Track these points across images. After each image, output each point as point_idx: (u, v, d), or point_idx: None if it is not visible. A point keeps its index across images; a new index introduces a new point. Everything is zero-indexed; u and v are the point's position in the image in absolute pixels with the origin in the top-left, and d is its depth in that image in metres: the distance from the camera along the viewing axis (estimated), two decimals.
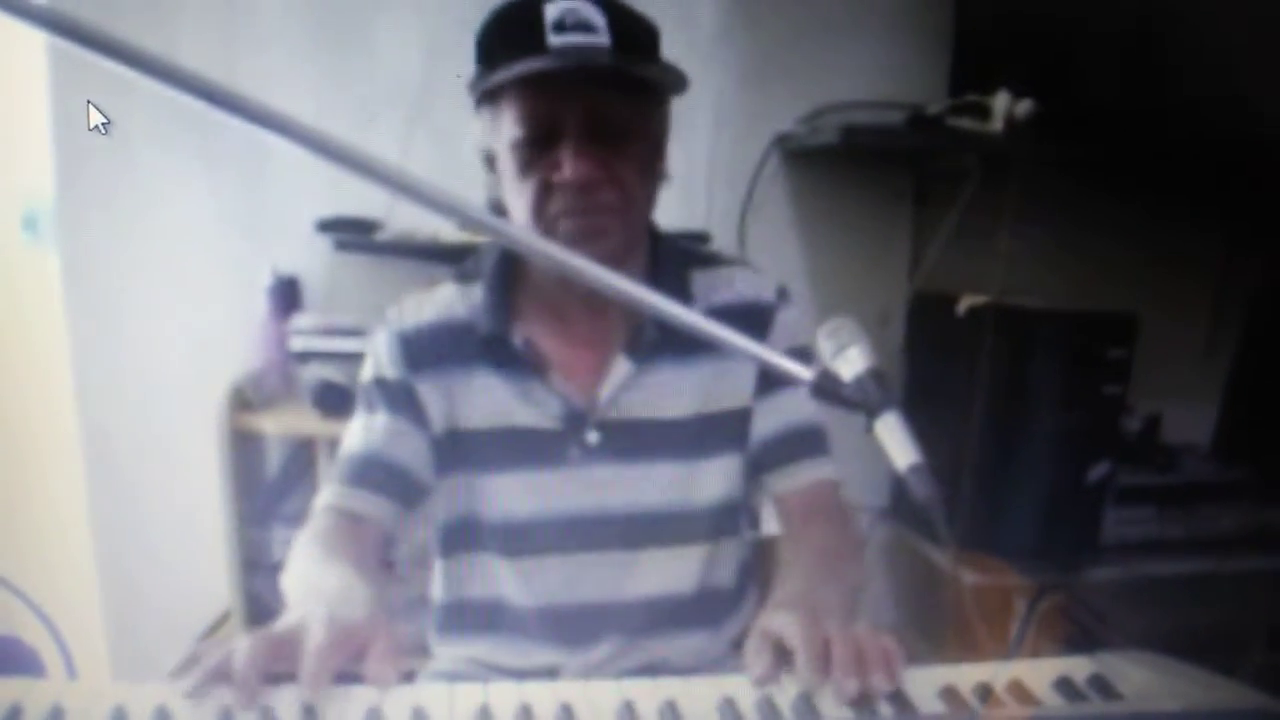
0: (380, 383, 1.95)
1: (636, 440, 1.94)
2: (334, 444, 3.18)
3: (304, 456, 3.47)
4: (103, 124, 3.27)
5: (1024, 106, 3.21)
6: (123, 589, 3.71)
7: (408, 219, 3.43)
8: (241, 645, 1.26)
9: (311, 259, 3.58)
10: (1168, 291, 3.78)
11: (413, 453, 1.93)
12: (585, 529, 1.95)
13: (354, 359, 3.18)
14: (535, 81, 1.70)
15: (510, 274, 1.96)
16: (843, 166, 3.72)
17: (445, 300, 1.98)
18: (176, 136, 3.41)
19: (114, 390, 3.60)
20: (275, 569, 3.38)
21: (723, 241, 3.57)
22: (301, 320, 3.42)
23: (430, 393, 1.93)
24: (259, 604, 3.41)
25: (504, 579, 2.00)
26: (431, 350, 1.94)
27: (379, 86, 3.54)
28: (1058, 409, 3.24)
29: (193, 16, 3.41)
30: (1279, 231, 3.47)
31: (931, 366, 3.63)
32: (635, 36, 1.76)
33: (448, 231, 3.33)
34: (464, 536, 2.01)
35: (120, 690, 1.24)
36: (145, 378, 3.60)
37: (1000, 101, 3.23)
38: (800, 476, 2.01)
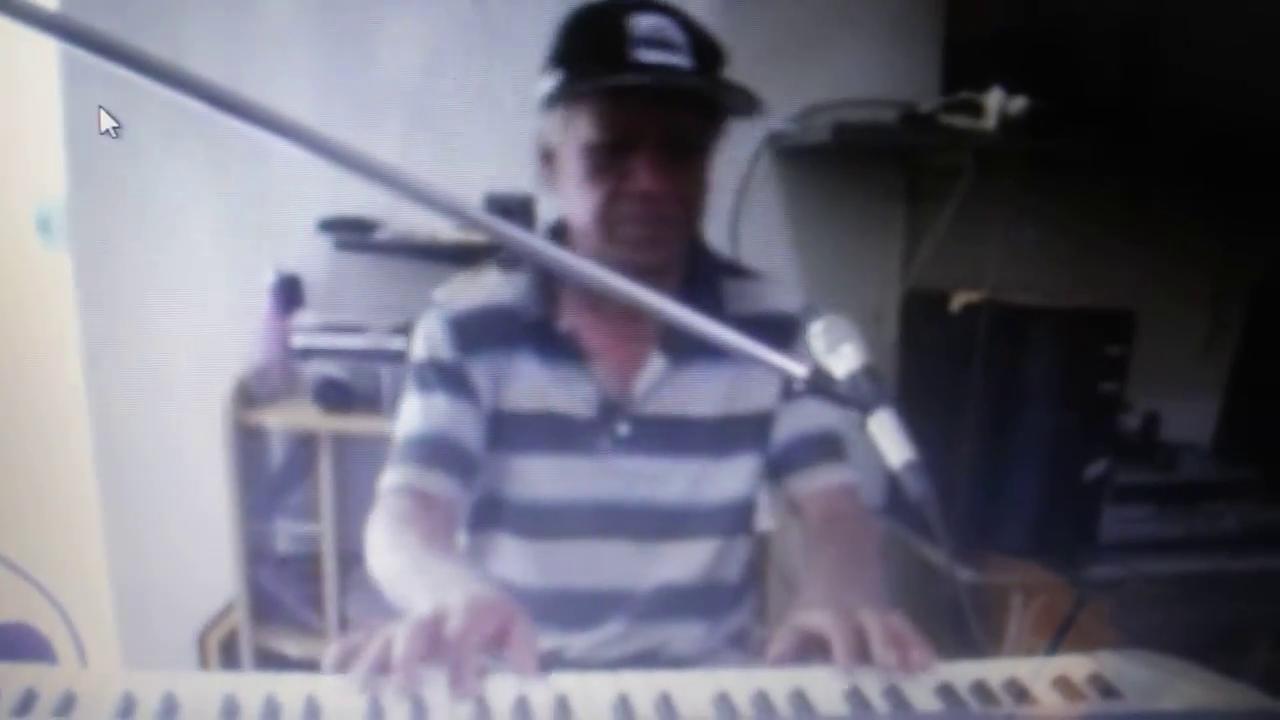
0: (436, 364, 1.98)
1: (665, 435, 1.98)
2: (335, 438, 3.21)
3: (306, 451, 3.49)
4: (113, 128, 3.29)
5: (1017, 103, 3.20)
6: (132, 579, 3.74)
7: (408, 219, 3.45)
8: (398, 635, 1.27)
9: (313, 258, 3.61)
10: (1166, 288, 3.77)
11: (473, 432, 1.96)
12: (606, 518, 1.99)
13: (355, 356, 3.21)
14: (618, 93, 1.76)
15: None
16: (835, 164, 3.73)
17: (491, 285, 2.02)
18: (183, 139, 3.45)
19: (123, 386, 3.64)
20: (278, 561, 3.41)
21: (715, 239, 3.56)
22: (303, 318, 3.44)
23: (480, 373, 1.96)
24: (262, 595, 3.45)
25: (517, 559, 2.03)
26: (480, 333, 1.97)
27: (380, 88, 3.57)
28: (1054, 407, 3.24)
29: (200, 21, 3.44)
30: (1277, 227, 3.47)
31: (925, 364, 3.63)
32: (711, 57, 1.84)
33: (447, 231, 3.35)
34: (489, 514, 2.04)
35: (130, 678, 1.25)
36: (153, 373, 3.63)
37: (993, 99, 3.23)
38: (820, 479, 2.04)
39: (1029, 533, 3.29)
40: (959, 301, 3.30)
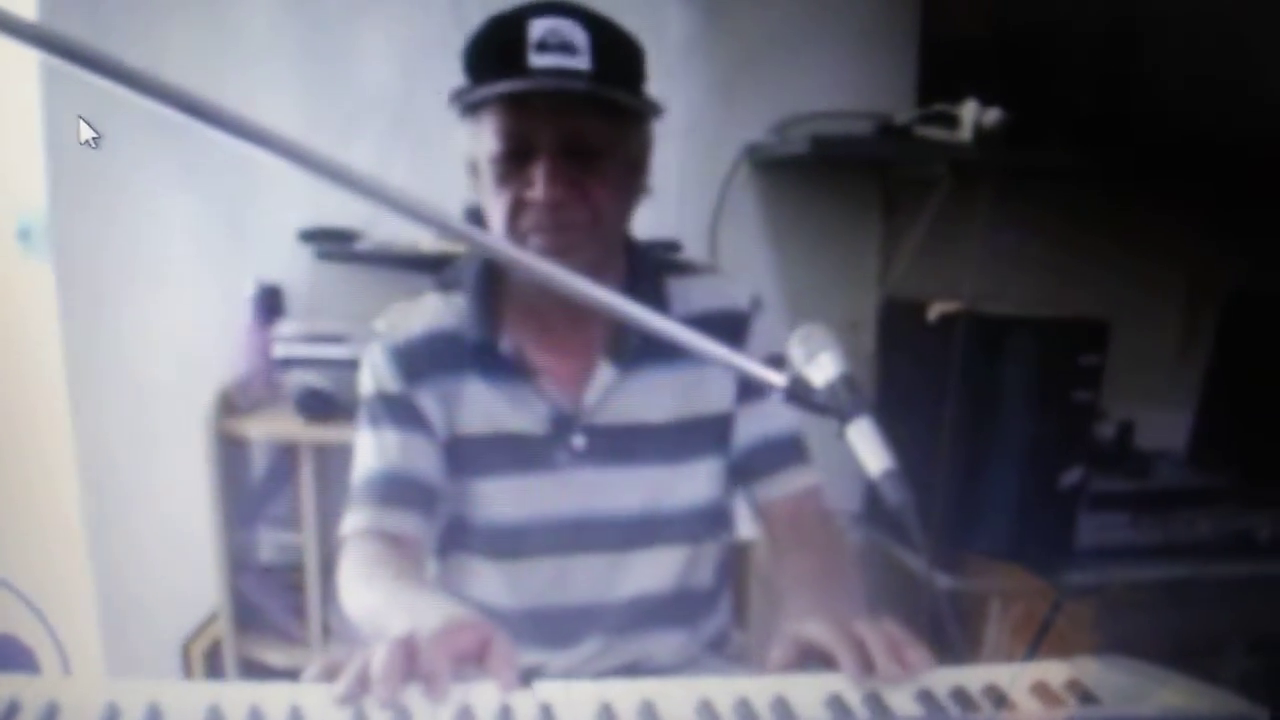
0: (384, 398, 1.96)
1: (621, 444, 1.97)
2: (317, 448, 3.21)
3: (288, 460, 3.49)
4: (93, 138, 3.29)
5: (992, 115, 3.21)
6: (115, 589, 3.73)
7: (388, 229, 3.46)
8: (376, 653, 1.28)
9: (294, 268, 3.61)
10: (1140, 297, 3.78)
11: (429, 463, 1.95)
12: (571, 532, 1.98)
13: (336, 365, 3.21)
14: (513, 100, 1.75)
15: (493, 282, 1.98)
16: (812, 176, 3.74)
17: (431, 310, 2.00)
18: (164, 150, 3.45)
19: (106, 395, 3.63)
20: (261, 571, 3.41)
21: (693, 250, 3.58)
22: (284, 328, 3.44)
23: (429, 401, 1.95)
24: (245, 604, 3.44)
25: (489, 582, 2.02)
26: (425, 360, 1.95)
27: (359, 99, 3.58)
28: (1029, 415, 3.24)
29: (179, 32, 3.45)
30: (1250, 237, 3.49)
31: (903, 373, 3.63)
32: (617, 58, 1.81)
33: (427, 241, 3.34)
34: (455, 538, 2.03)
35: (114, 687, 1.25)
36: (135, 383, 3.63)
37: (968, 110, 3.24)
38: (784, 485, 2.04)
39: (1006, 540, 3.30)
40: (936, 311, 3.31)
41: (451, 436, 1.97)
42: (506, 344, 1.93)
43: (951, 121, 3.28)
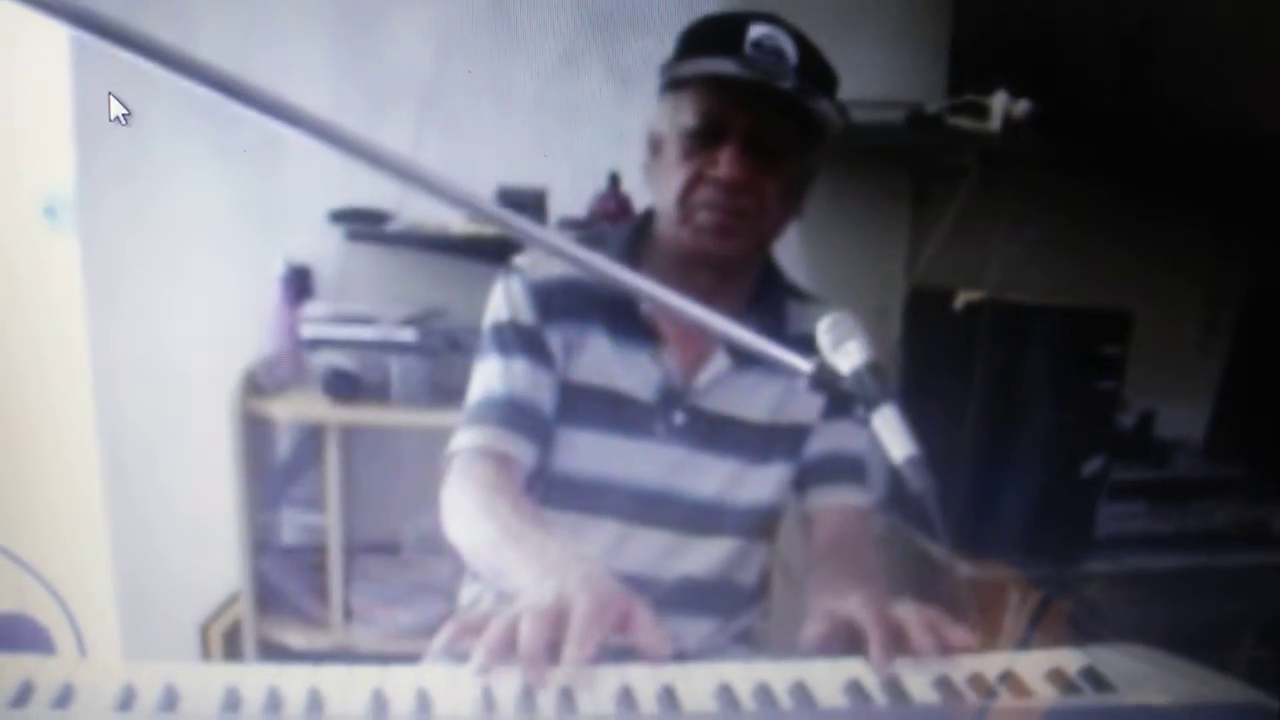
0: (516, 327, 2.01)
1: (716, 432, 2.02)
2: (343, 429, 3.21)
3: (313, 442, 3.50)
4: (123, 115, 3.29)
5: (1021, 106, 3.22)
6: (134, 569, 3.73)
7: (418, 210, 3.45)
8: (524, 622, 1.29)
9: (324, 248, 3.61)
10: (1162, 289, 3.76)
11: (549, 399, 1.99)
12: (641, 503, 2.01)
13: (364, 346, 3.21)
14: (719, 83, 1.85)
15: (639, 249, 2.05)
16: (842, 164, 3.72)
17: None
18: (193, 127, 3.44)
19: (130, 374, 3.64)
20: (284, 552, 3.41)
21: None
22: (313, 308, 3.44)
23: (556, 341, 2.00)
24: (267, 586, 3.43)
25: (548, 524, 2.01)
26: (559, 303, 2.01)
27: (392, 79, 3.57)
28: (1052, 404, 3.24)
29: (211, 10, 3.44)
30: (1271, 231, 3.48)
31: (928, 361, 3.63)
32: (818, 77, 1.92)
33: (457, 223, 3.33)
34: (530, 484, 2.04)
35: (130, 669, 1.25)
36: (161, 362, 3.64)
37: (998, 101, 3.24)
38: (838, 498, 2.09)
39: (1027, 528, 3.29)
40: (962, 300, 3.30)
41: (564, 381, 2.01)
42: (645, 305, 1.99)
43: (981, 112, 3.28)
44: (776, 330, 1.92)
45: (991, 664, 1.37)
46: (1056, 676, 1.35)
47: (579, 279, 1.99)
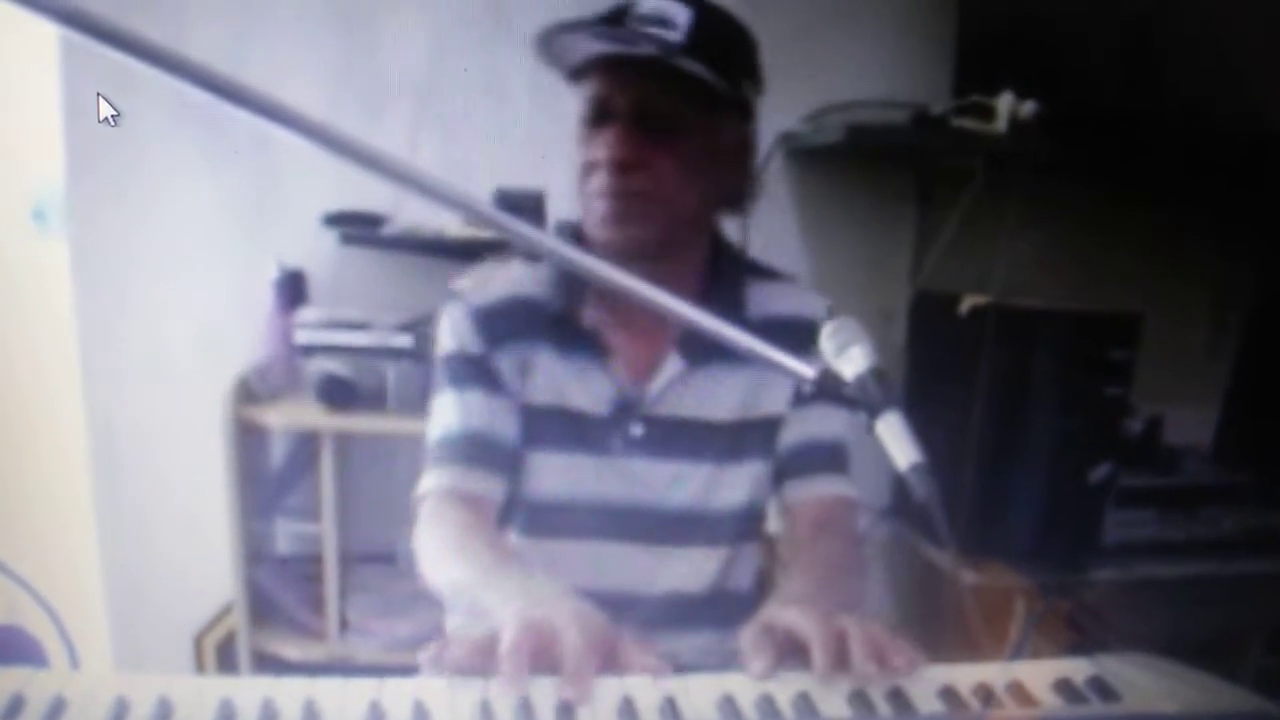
0: (465, 357, 1.98)
1: (678, 438, 1.97)
2: (338, 437, 3.19)
3: (308, 450, 3.47)
4: (112, 116, 3.28)
5: (1027, 107, 3.20)
6: (126, 580, 3.71)
7: (414, 214, 3.42)
8: (508, 630, 1.29)
9: (318, 252, 3.58)
10: (1170, 293, 3.77)
11: (509, 427, 1.97)
12: (614, 519, 1.98)
13: (359, 353, 3.19)
14: (600, 65, 1.82)
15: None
16: (847, 165, 3.73)
17: (515, 277, 2.02)
18: (185, 129, 3.42)
19: (120, 380, 3.61)
20: (278, 562, 3.39)
21: (727, 239, 3.57)
22: (307, 314, 3.40)
23: (506, 366, 1.97)
24: (261, 596, 3.41)
25: (524, 558, 1.99)
26: (504, 325, 1.97)
27: (387, 80, 3.55)
28: (1059, 410, 3.24)
29: (204, 10, 3.41)
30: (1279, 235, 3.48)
31: (933, 366, 3.63)
32: (716, 42, 1.82)
33: (454, 226, 3.32)
34: (502, 511, 2.02)
35: (123, 681, 1.24)
36: (151, 368, 3.61)
37: (1004, 102, 3.23)
38: (815, 489, 2.03)
39: (1033, 535, 3.29)
40: (967, 304, 3.29)
41: (522, 405, 1.98)
42: (585, 318, 1.95)
43: (987, 113, 3.27)
44: (736, 316, 1.83)
45: (998, 673, 1.36)
46: (1063, 686, 1.35)
47: (521, 297, 1.98)
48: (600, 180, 1.82)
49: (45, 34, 2.82)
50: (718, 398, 1.99)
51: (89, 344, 3.59)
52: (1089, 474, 3.28)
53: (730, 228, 3.52)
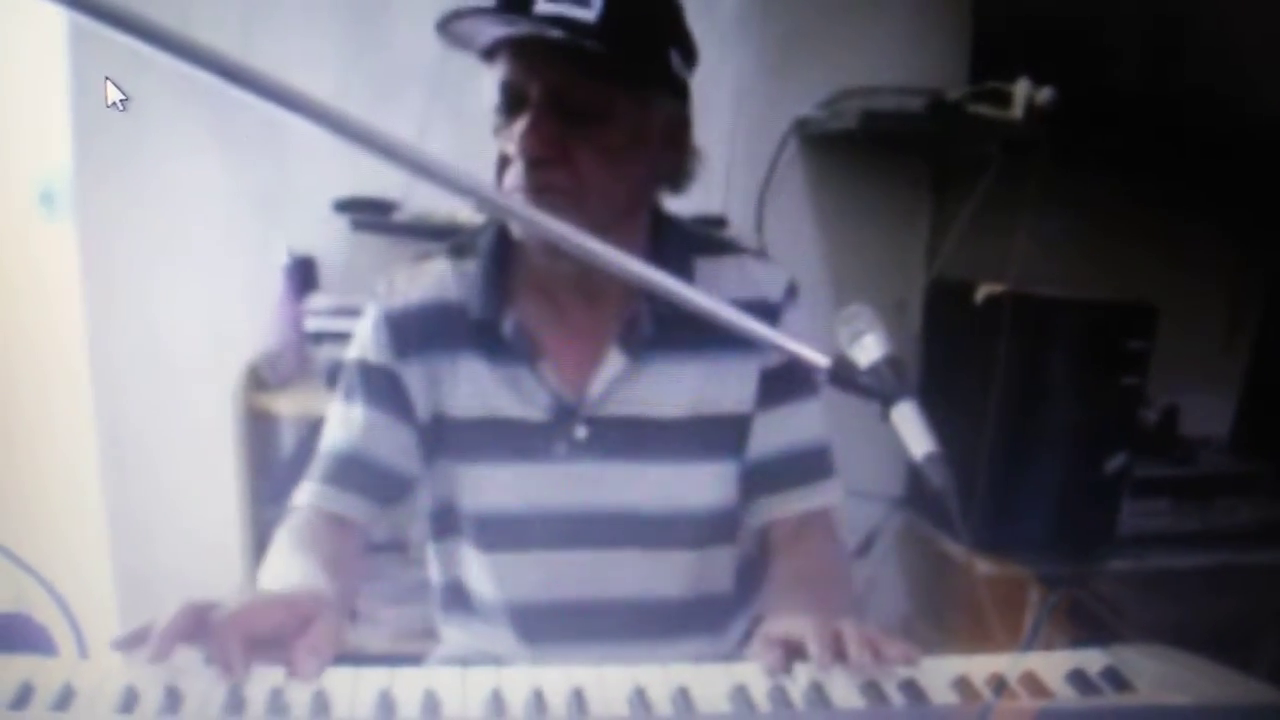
0: (364, 368, 1.92)
1: (626, 438, 1.88)
2: None
3: (318, 437, 3.47)
4: (120, 100, 3.27)
5: (1044, 94, 3.18)
6: (135, 568, 3.70)
7: (425, 200, 3.42)
8: (166, 613, 1.29)
9: (328, 239, 3.58)
10: (1187, 283, 3.76)
11: (394, 448, 1.90)
12: (567, 527, 1.90)
13: None
14: (512, 48, 1.67)
15: (505, 255, 1.89)
16: (862, 152, 3.71)
17: (436, 277, 1.93)
18: (194, 114, 3.41)
19: (129, 368, 3.60)
20: None
21: (740, 226, 3.58)
22: (317, 300, 3.41)
23: (416, 377, 1.89)
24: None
25: (479, 571, 1.97)
26: (419, 332, 1.89)
27: (397, 66, 3.53)
28: (1075, 399, 3.24)
29: None
30: None
31: (948, 355, 3.63)
32: (637, 17, 1.68)
33: (465, 212, 3.30)
34: (448, 523, 1.99)
35: (132, 670, 1.25)
36: (161, 356, 3.60)
37: (1020, 89, 3.21)
38: (798, 504, 1.95)
39: (1048, 525, 3.28)
40: (982, 293, 3.28)
41: (436, 416, 1.90)
42: (509, 323, 1.84)
43: (1004, 100, 3.25)
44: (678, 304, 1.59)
45: (1011, 664, 1.36)
46: (1077, 676, 1.35)
47: (443, 302, 1.90)
48: (515, 175, 1.67)
49: (53, 18, 2.82)
50: (666, 394, 1.89)
51: (97, 330, 3.57)
52: (1104, 464, 3.28)
53: (744, 214, 3.52)
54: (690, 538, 1.95)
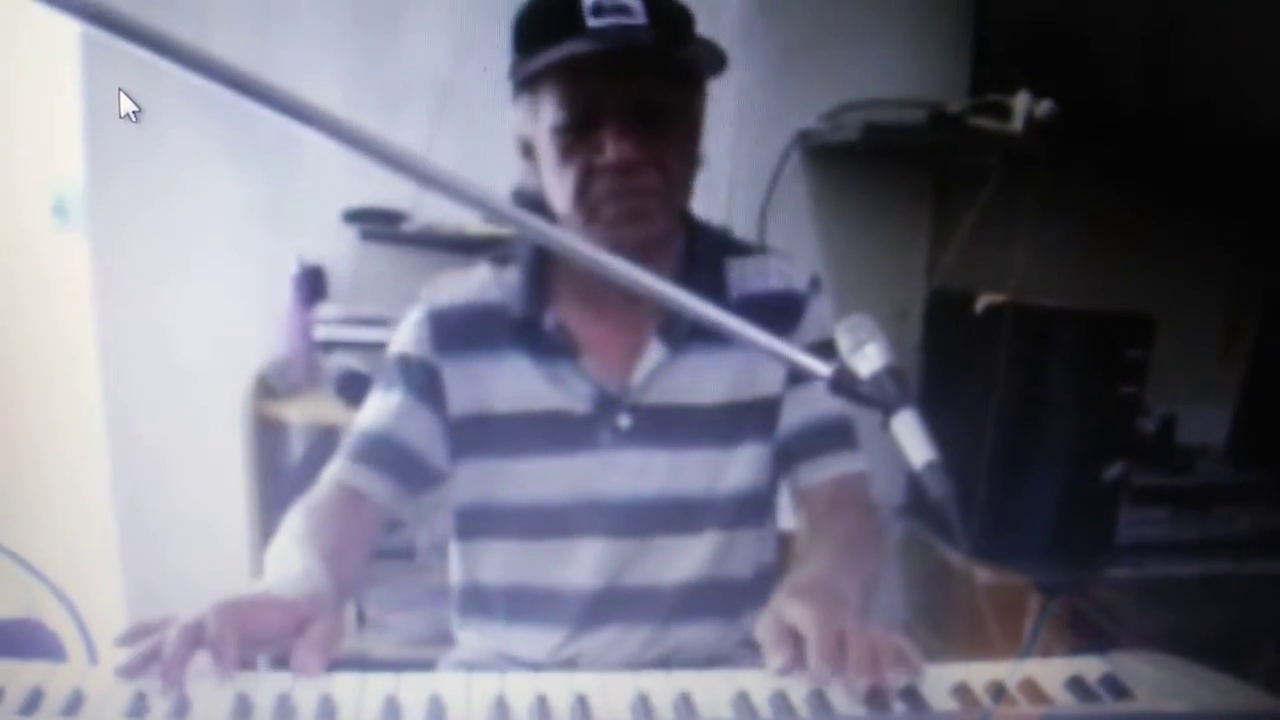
0: (403, 360, 1.96)
1: (669, 426, 1.93)
2: None
3: (327, 445, 3.46)
4: (133, 112, 3.28)
5: (1044, 107, 3.19)
6: (145, 574, 3.70)
7: (434, 210, 3.44)
8: (169, 636, 1.28)
9: (337, 249, 3.59)
10: (1185, 293, 3.76)
11: (424, 435, 1.93)
12: (614, 514, 1.94)
13: (378, 348, 3.19)
14: (576, 66, 1.70)
15: (546, 257, 1.95)
16: (863, 163, 3.72)
17: (479, 281, 1.99)
18: (206, 125, 3.42)
19: (139, 376, 3.61)
20: None
21: (743, 236, 3.56)
22: (326, 310, 3.42)
23: (456, 375, 1.93)
24: None
25: (517, 563, 1.99)
26: (462, 332, 1.94)
27: (406, 78, 3.56)
28: (1074, 408, 3.23)
29: (225, 8, 3.42)
30: None
31: (948, 364, 3.63)
32: (672, 19, 1.77)
33: (473, 223, 3.33)
34: (482, 522, 2.01)
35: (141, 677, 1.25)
36: (171, 364, 3.61)
37: (1021, 101, 3.22)
38: (828, 470, 1.99)
39: (1047, 534, 3.28)
40: (982, 303, 3.29)
41: (480, 414, 1.94)
42: (550, 320, 1.91)
43: (1004, 112, 3.26)
44: (720, 299, 1.81)
45: (1010, 671, 1.36)
46: (1076, 684, 1.35)
47: (486, 304, 1.96)
48: (608, 183, 1.75)
49: (67, 29, 2.83)
50: (706, 382, 1.95)
51: (108, 338, 3.59)
52: (1103, 473, 3.28)
53: (747, 225, 3.52)
54: (722, 520, 1.99)
